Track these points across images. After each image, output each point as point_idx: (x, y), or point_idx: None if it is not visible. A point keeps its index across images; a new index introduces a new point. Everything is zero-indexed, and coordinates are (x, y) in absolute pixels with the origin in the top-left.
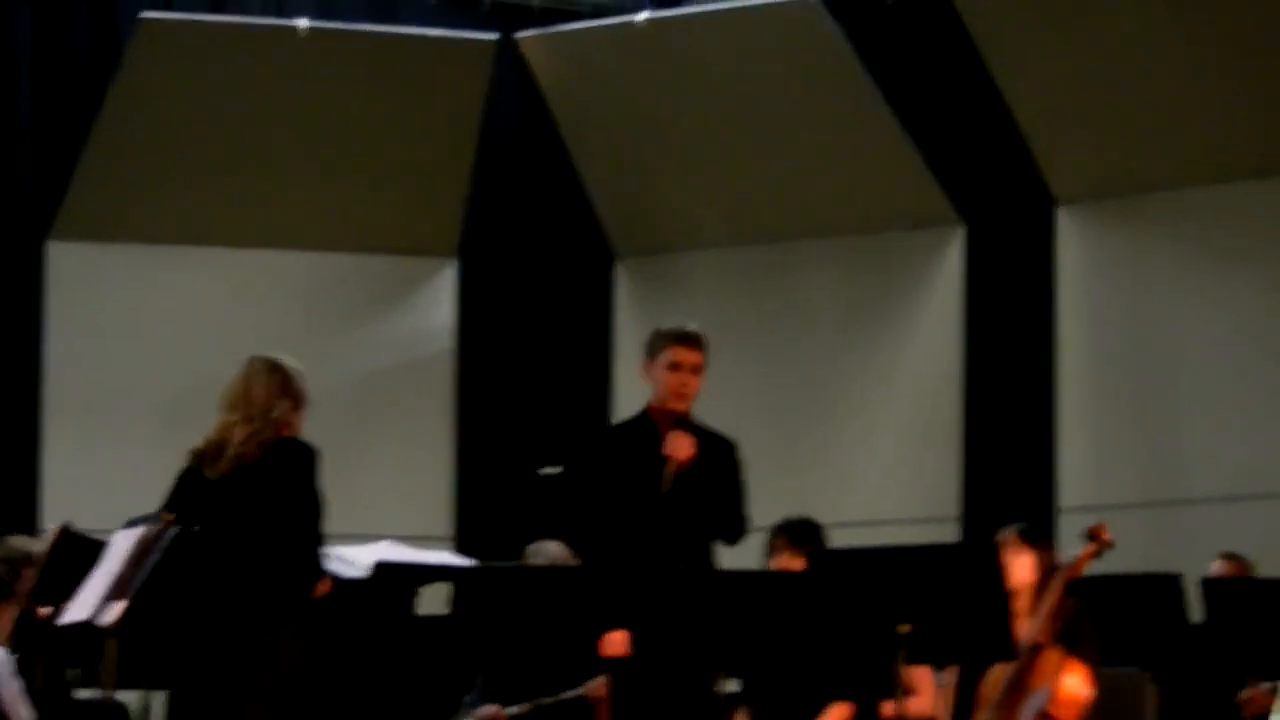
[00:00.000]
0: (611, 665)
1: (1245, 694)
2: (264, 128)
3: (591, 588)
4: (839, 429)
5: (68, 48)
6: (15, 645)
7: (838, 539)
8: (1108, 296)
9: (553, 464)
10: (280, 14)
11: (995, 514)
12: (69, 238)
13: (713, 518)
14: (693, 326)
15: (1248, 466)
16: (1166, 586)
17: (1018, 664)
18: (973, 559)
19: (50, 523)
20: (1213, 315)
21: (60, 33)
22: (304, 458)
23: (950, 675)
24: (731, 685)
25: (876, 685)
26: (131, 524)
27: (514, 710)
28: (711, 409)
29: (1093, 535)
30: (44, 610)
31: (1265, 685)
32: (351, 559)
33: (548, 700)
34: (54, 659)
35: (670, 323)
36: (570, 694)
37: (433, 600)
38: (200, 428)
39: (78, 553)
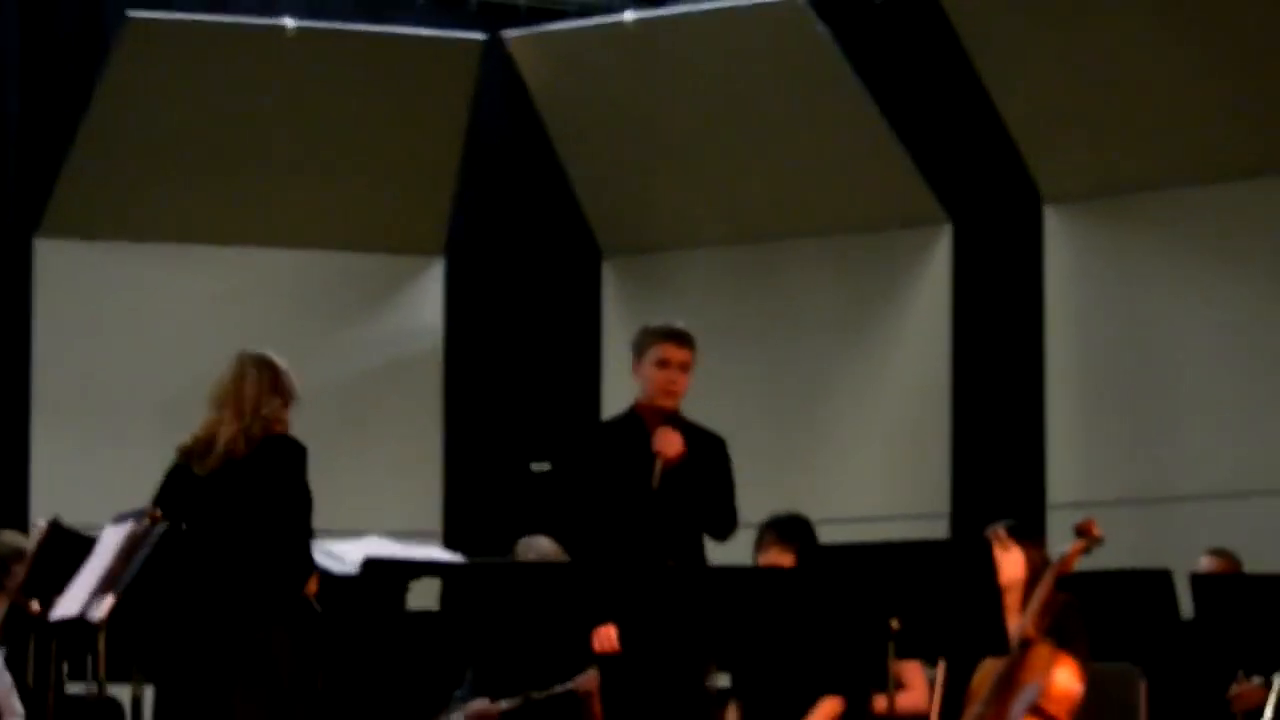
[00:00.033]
0: (601, 660)
1: (1235, 689)
2: (252, 126)
3: (581, 583)
4: (828, 426)
5: (55, 45)
6: (6, 639)
7: (827, 535)
8: (1096, 294)
9: (542, 460)
10: (268, 13)
11: (985, 510)
12: (56, 235)
13: (702, 514)
14: (681, 324)
15: (1236, 463)
16: (1157, 582)
17: (1008, 659)
18: (963, 554)
19: (39, 519)
20: (1201, 313)
21: (48, 30)
22: (293, 454)
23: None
24: (722, 680)
25: (867, 680)
26: (120, 519)
27: (504, 705)
28: (700, 406)
29: (1082, 531)
30: (34, 605)
31: (1255, 680)
32: (341, 555)
33: (538, 695)
34: (44, 653)
35: (658, 321)
36: (560, 688)
37: (422, 596)
38: (189, 424)
39: (67, 548)
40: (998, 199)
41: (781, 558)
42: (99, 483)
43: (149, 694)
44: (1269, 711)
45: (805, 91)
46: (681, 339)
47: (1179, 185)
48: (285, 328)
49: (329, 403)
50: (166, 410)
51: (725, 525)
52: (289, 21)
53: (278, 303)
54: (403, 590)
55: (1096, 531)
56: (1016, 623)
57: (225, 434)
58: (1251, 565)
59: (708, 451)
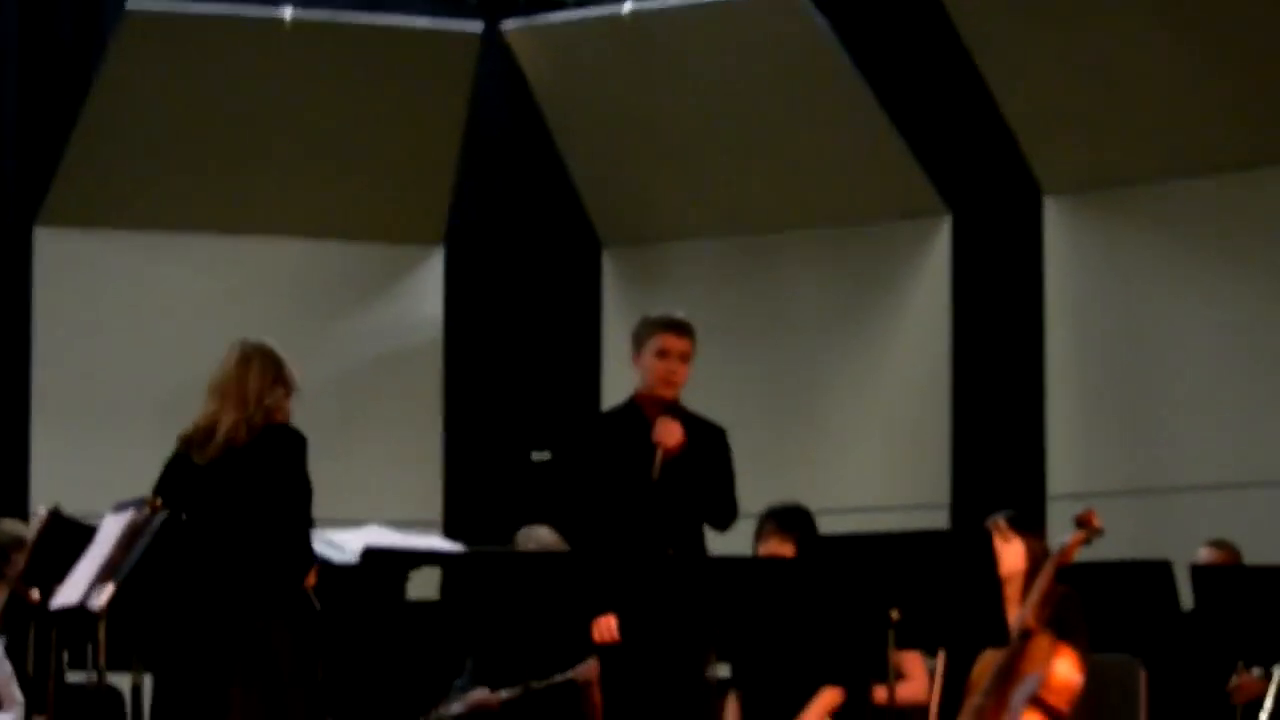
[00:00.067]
0: (601, 650)
1: (1235, 681)
2: (250, 116)
3: (581, 573)
4: (828, 418)
5: (54, 35)
6: (6, 628)
7: (827, 526)
8: (1095, 286)
9: (542, 450)
10: (266, 4)
11: (985, 501)
12: (56, 224)
13: (702, 504)
14: (680, 314)
15: (1236, 454)
16: (1157, 573)
17: (1008, 650)
18: (963, 545)
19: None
20: (1200, 305)
21: (46, 20)
22: (294, 444)
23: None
24: (722, 670)
25: (867, 670)
26: (120, 507)
27: (504, 694)
28: (700, 397)
29: (1083, 522)
30: (34, 593)
31: (1255, 672)
32: (341, 544)
33: (538, 684)
34: (45, 642)
35: (658, 311)
36: (560, 678)
37: (422, 585)
38: (188, 413)
39: (68, 536)
40: (997, 191)
41: (781, 548)
42: (99, 471)
43: (149, 683)
44: (1269, 703)
45: (804, 83)
46: (681, 329)
47: (1178, 178)
48: (285, 318)
49: (329, 393)
50: (166, 399)
51: (725, 515)
52: (287, 12)
53: (278, 293)
54: (403, 580)
55: (1097, 522)
56: (1017, 614)
57: (227, 422)
58: (1251, 557)
59: (708, 441)
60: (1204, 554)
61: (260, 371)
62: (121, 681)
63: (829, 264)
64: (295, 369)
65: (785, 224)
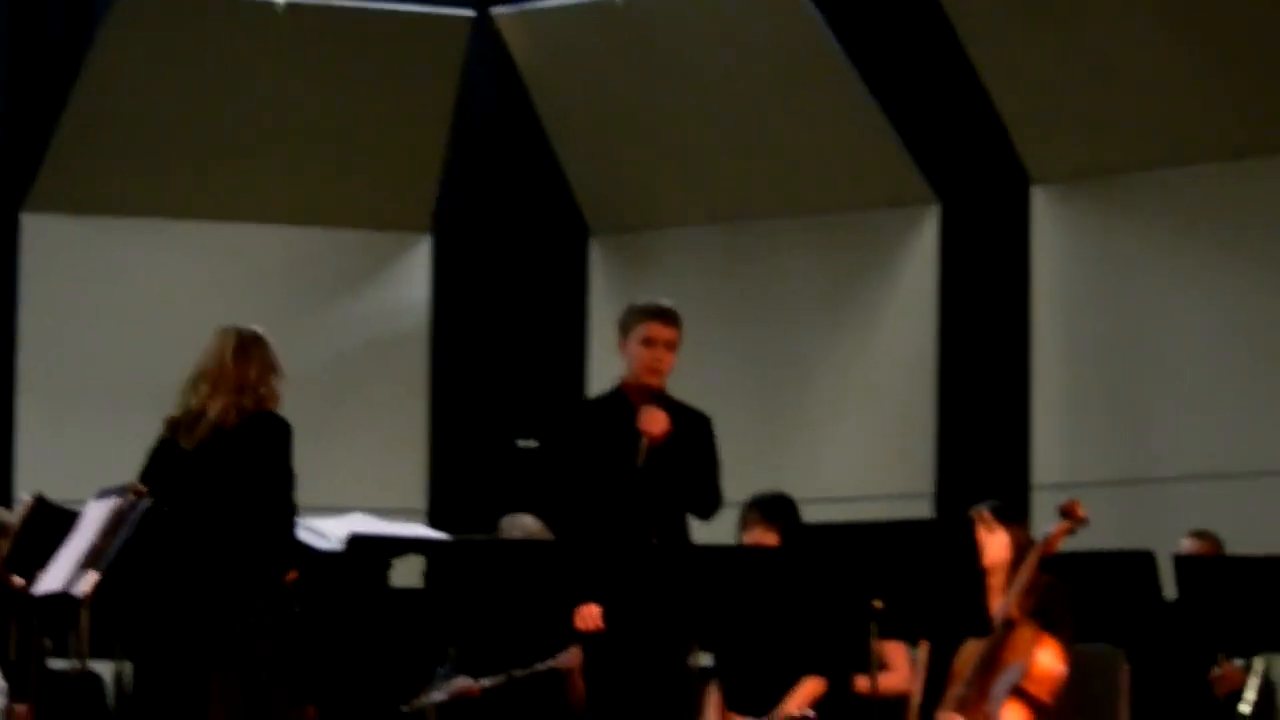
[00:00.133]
0: (584, 639)
1: (1217, 671)
2: (239, 103)
3: (565, 561)
4: (814, 406)
5: (43, 20)
6: None
7: (812, 515)
8: (1083, 276)
9: (528, 438)
10: None
11: (969, 490)
12: (43, 210)
13: (687, 492)
14: (667, 302)
15: (1220, 445)
16: (1140, 564)
17: (991, 639)
18: (947, 534)
19: (23, 494)
20: (1187, 295)
21: (35, 5)
22: (281, 432)
23: (923, 650)
24: (704, 659)
25: (850, 660)
26: (104, 494)
27: (487, 682)
28: (686, 385)
29: (1067, 512)
30: (18, 580)
31: (1237, 662)
32: (325, 531)
33: (520, 672)
34: (27, 628)
35: (644, 299)
36: (543, 666)
37: (406, 573)
38: (174, 399)
39: (51, 523)
40: (986, 180)
41: (765, 537)
42: (84, 457)
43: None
44: (1250, 693)
45: (794, 71)
46: (668, 317)
47: (1167, 168)
48: (272, 304)
49: (315, 379)
50: (152, 385)
51: (709, 504)
52: None
53: (264, 279)
54: (386, 567)
55: (1081, 512)
56: (1000, 604)
57: (216, 407)
58: (1235, 547)
59: (693, 430)
60: (1186, 544)
61: (260, 360)
62: (104, 669)
63: (817, 252)
64: (282, 356)
65: (773, 212)
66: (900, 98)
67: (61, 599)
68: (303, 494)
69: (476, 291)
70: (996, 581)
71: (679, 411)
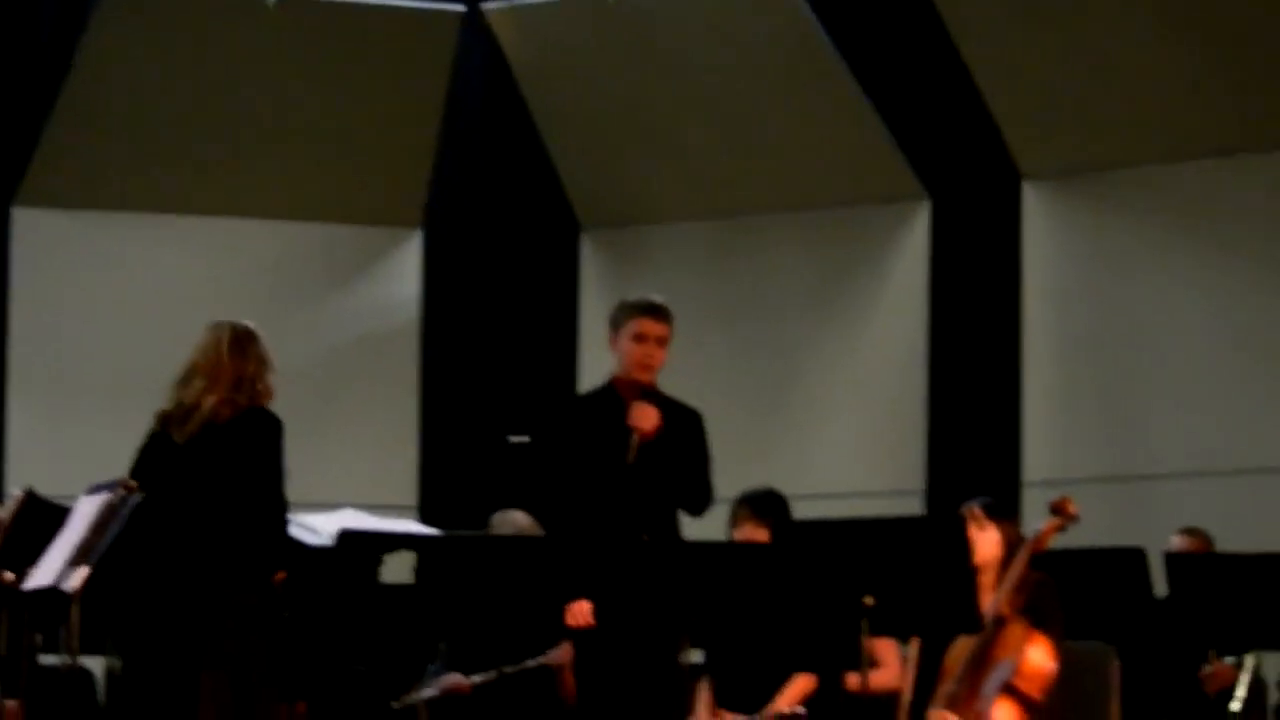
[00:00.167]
0: (575, 635)
1: (1208, 669)
2: (230, 97)
3: (556, 557)
4: (804, 402)
5: (34, 13)
6: None
7: (802, 511)
8: (1073, 272)
9: (520, 433)
10: None
11: (960, 487)
12: (34, 204)
13: (677, 488)
14: (658, 298)
15: (1211, 442)
16: (1131, 561)
17: (982, 636)
18: (938, 531)
19: (14, 489)
20: (1178, 292)
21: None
22: (273, 428)
23: (914, 647)
24: (695, 656)
25: (840, 657)
26: (95, 489)
27: (478, 678)
28: (677, 381)
29: (1057, 509)
30: (8, 575)
31: (1228, 660)
32: (315, 527)
33: (511, 669)
34: (18, 624)
35: (635, 295)
36: (534, 662)
37: (397, 569)
38: (165, 394)
39: (42, 518)
40: (977, 176)
41: (756, 533)
42: (75, 452)
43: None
44: (1241, 691)
45: (786, 67)
46: (659, 313)
47: (1157, 164)
48: (263, 299)
49: (305, 375)
50: (143, 380)
51: (700, 500)
52: None
53: (255, 274)
54: (377, 563)
55: (1072, 509)
56: (991, 601)
57: (211, 401)
58: (1225, 544)
59: (684, 426)
60: (1175, 541)
61: (255, 356)
62: (94, 664)
63: (808, 248)
64: (273, 351)
65: (764, 208)
66: (891, 94)
67: (52, 594)
68: (294, 489)
69: (467, 287)
70: (987, 579)
71: (670, 407)
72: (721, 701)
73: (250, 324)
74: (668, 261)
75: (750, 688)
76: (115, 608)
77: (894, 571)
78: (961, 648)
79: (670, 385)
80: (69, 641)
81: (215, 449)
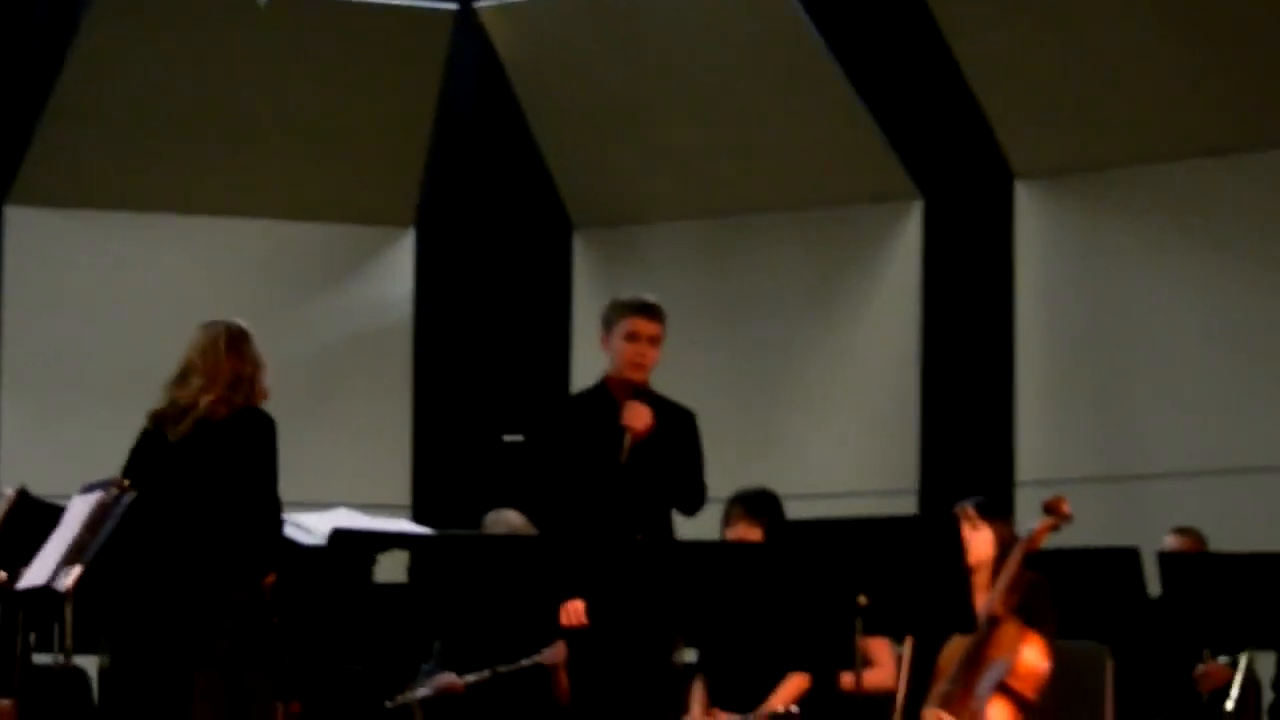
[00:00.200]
0: (569, 634)
1: (1201, 668)
2: (223, 96)
3: (549, 557)
4: (797, 402)
5: (26, 13)
6: None
7: (795, 511)
8: (1066, 271)
9: (512, 432)
10: None
11: (953, 486)
12: (27, 203)
13: (670, 488)
14: (651, 297)
15: (1204, 441)
16: (1125, 560)
17: (976, 636)
18: (931, 531)
19: (6, 488)
20: (1171, 291)
21: None
22: (268, 428)
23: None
24: (689, 655)
25: (835, 656)
26: (88, 489)
27: (472, 678)
28: (670, 381)
29: (1051, 508)
30: (1, 574)
31: (1222, 659)
32: (309, 526)
33: (505, 668)
34: (11, 623)
35: (628, 294)
36: (528, 662)
37: (391, 568)
38: (158, 393)
39: (35, 517)
40: (969, 174)
41: (749, 532)
42: (67, 451)
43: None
44: (1235, 690)
45: (778, 66)
46: (651, 312)
47: (1150, 163)
48: (255, 298)
49: (298, 374)
50: (135, 379)
51: (693, 499)
52: None
53: (248, 273)
54: (370, 562)
55: (1066, 509)
56: (985, 600)
57: (208, 400)
58: (1218, 544)
59: (676, 425)
60: (1169, 541)
61: (251, 355)
62: (88, 663)
63: (800, 247)
64: (266, 350)
65: (757, 207)
66: (884, 93)
67: (45, 593)
68: (286, 489)
69: (460, 286)
70: (981, 578)
71: (663, 407)
72: (715, 701)
73: (243, 323)
74: (660, 260)
75: (744, 687)
76: (108, 607)
77: (888, 571)
78: (955, 647)
79: (663, 385)
80: (62, 641)
81: (209, 448)
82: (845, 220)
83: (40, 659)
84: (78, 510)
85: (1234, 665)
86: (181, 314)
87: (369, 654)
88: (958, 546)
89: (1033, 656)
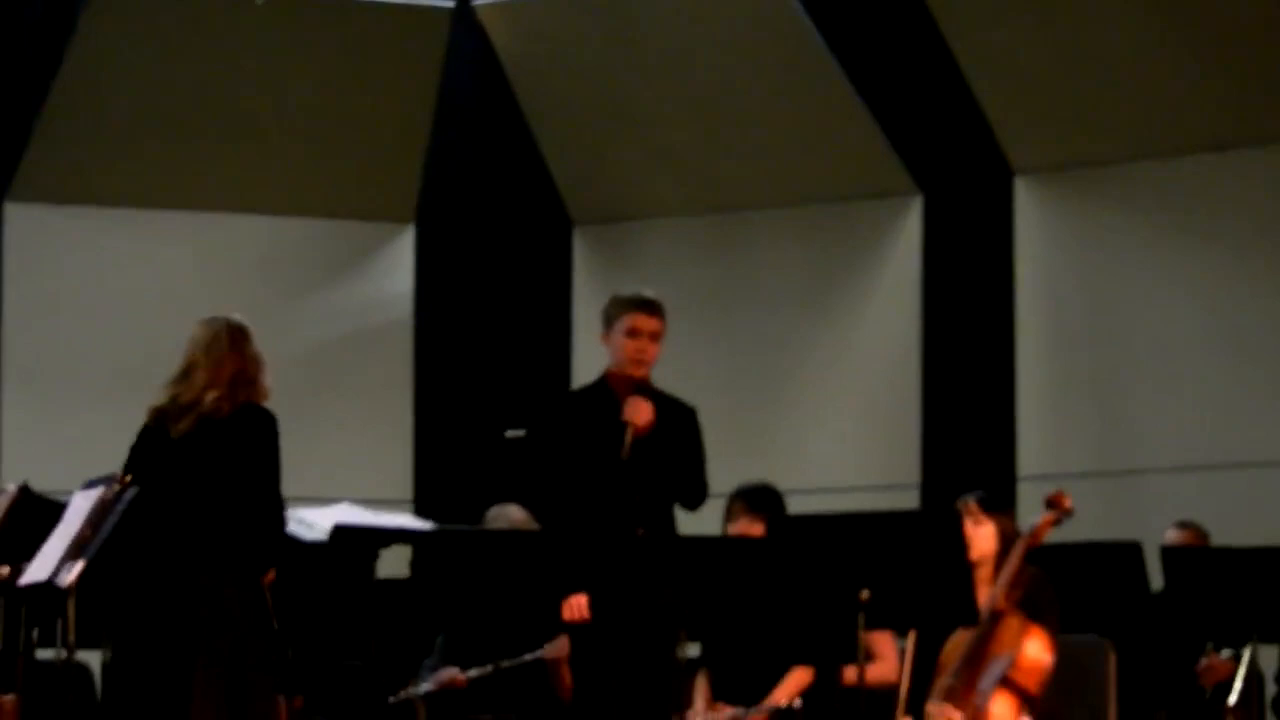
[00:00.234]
0: (571, 629)
1: (1204, 662)
2: (222, 92)
3: (552, 552)
4: (798, 398)
5: (24, 9)
6: None
7: (797, 506)
8: (1066, 266)
9: (513, 428)
10: None
11: (955, 481)
12: (26, 199)
13: (672, 483)
14: (651, 293)
15: (1206, 436)
16: (1127, 555)
17: (979, 630)
18: (933, 525)
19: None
20: (1170, 286)
21: None
22: (270, 425)
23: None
24: (692, 650)
25: (837, 650)
26: (90, 485)
27: (474, 673)
28: (670, 376)
29: (1053, 503)
30: (2, 570)
31: (1224, 653)
32: (311, 522)
33: (507, 663)
34: (13, 619)
35: (628, 290)
36: (530, 657)
37: (392, 563)
38: (158, 389)
39: (37, 513)
40: (969, 171)
41: (751, 527)
42: (69, 447)
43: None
44: (1238, 684)
45: (777, 62)
46: (652, 308)
47: (1149, 159)
48: (256, 294)
49: (299, 370)
50: (136, 374)
51: (695, 495)
52: None
53: (248, 269)
54: (373, 558)
55: (1067, 503)
56: (987, 595)
57: (212, 397)
58: (1220, 538)
59: (678, 421)
60: (1170, 535)
61: (253, 353)
62: (90, 658)
63: (800, 243)
64: (265, 345)
65: (757, 203)
66: (882, 89)
67: (47, 589)
68: (288, 484)
69: (460, 282)
70: (983, 573)
71: (664, 402)
72: (718, 695)
73: (243, 319)
74: (660, 256)
75: (747, 681)
76: (111, 603)
77: (890, 565)
78: (958, 641)
79: (664, 380)
80: (65, 636)
81: (213, 445)
82: (845, 216)
83: (43, 655)
84: (80, 506)
85: (1236, 659)
86: (182, 310)
87: (371, 649)
88: (960, 541)
89: (1035, 650)
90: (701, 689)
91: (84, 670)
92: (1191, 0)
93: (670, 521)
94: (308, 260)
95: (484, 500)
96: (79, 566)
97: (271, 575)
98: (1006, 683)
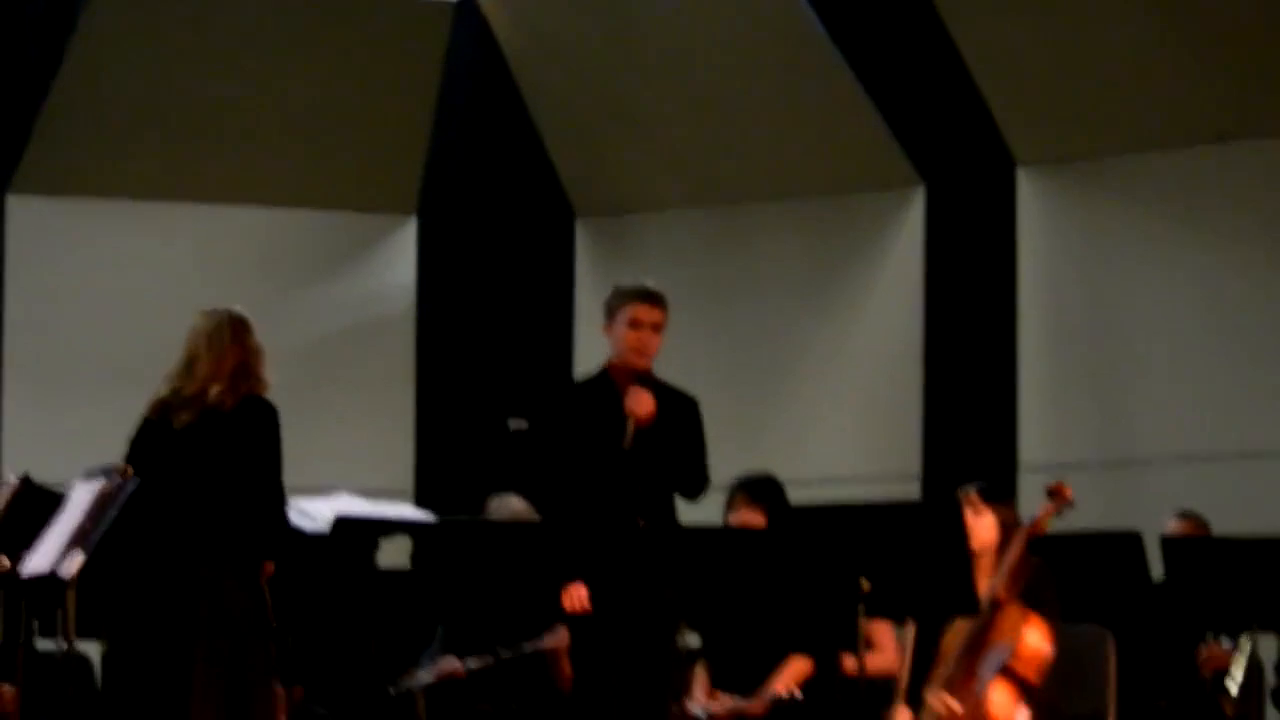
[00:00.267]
0: (571, 619)
1: (1204, 651)
2: (225, 84)
3: (552, 542)
4: (800, 388)
5: (26, 3)
6: None
7: (798, 497)
8: (1068, 258)
9: (515, 419)
10: None
11: (956, 471)
12: (28, 192)
13: (673, 474)
14: (653, 284)
15: (1206, 425)
16: (1127, 544)
17: (979, 620)
18: (934, 515)
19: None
20: (1172, 277)
21: None
22: (272, 417)
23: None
24: (691, 640)
25: (837, 640)
26: (91, 475)
27: (474, 663)
28: (672, 367)
29: (1054, 493)
30: (4, 561)
31: (1224, 642)
32: (312, 512)
33: (507, 653)
34: (14, 610)
35: (630, 281)
36: (530, 647)
37: (393, 554)
38: (159, 381)
39: (38, 504)
40: (971, 162)
41: (752, 518)
42: (70, 438)
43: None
44: (1238, 673)
45: (780, 55)
46: (654, 299)
47: (1151, 150)
48: (258, 286)
49: (301, 361)
50: (137, 366)
51: (696, 485)
52: None
53: (250, 261)
54: (373, 548)
55: (1068, 494)
56: (987, 584)
57: (216, 389)
58: (1220, 528)
59: (679, 411)
60: (1172, 525)
61: (254, 344)
62: (91, 649)
63: (803, 235)
64: (268, 338)
65: (759, 195)
66: (885, 81)
67: (48, 580)
68: (289, 475)
69: (462, 274)
70: (984, 563)
71: (665, 393)
72: (718, 683)
73: (243, 311)
74: (662, 249)
75: (746, 670)
76: (111, 594)
77: (890, 555)
78: (958, 631)
79: (665, 371)
80: (65, 627)
81: (215, 437)
82: (847, 208)
83: (43, 645)
84: (80, 497)
85: (1236, 648)
86: (183, 302)
87: (371, 639)
88: (960, 531)
89: (1035, 640)
90: (701, 679)
91: (84, 661)
92: None
93: (671, 512)
94: (310, 252)
95: (485, 491)
96: (80, 557)
97: (271, 569)
98: (1006, 672)
